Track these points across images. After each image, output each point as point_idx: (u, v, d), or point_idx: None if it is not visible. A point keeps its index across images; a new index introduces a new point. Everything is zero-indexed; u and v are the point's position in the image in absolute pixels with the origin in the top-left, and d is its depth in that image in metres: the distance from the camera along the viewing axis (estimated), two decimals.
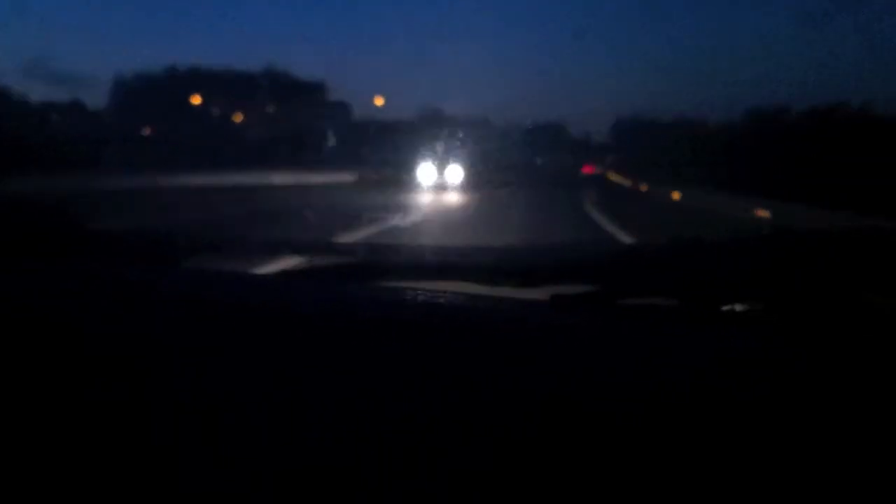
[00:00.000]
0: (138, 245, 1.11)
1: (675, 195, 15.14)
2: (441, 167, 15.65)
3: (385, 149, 17.60)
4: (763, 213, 10.06)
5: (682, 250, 0.89)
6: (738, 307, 0.78)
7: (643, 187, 19.76)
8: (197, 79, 27.44)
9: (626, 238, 7.46)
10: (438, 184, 15.30)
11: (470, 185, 14.85)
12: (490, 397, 0.57)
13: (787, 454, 0.49)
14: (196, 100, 25.83)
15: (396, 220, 8.28)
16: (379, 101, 22.94)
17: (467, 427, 0.54)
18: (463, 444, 0.52)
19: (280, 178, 14.56)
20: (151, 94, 28.00)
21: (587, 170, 32.08)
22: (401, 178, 15.32)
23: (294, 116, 24.21)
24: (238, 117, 24.33)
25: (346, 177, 15.56)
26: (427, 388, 0.59)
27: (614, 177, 26.86)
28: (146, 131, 22.61)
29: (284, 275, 1.06)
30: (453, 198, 13.40)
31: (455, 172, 15.68)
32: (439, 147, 15.63)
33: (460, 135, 16.42)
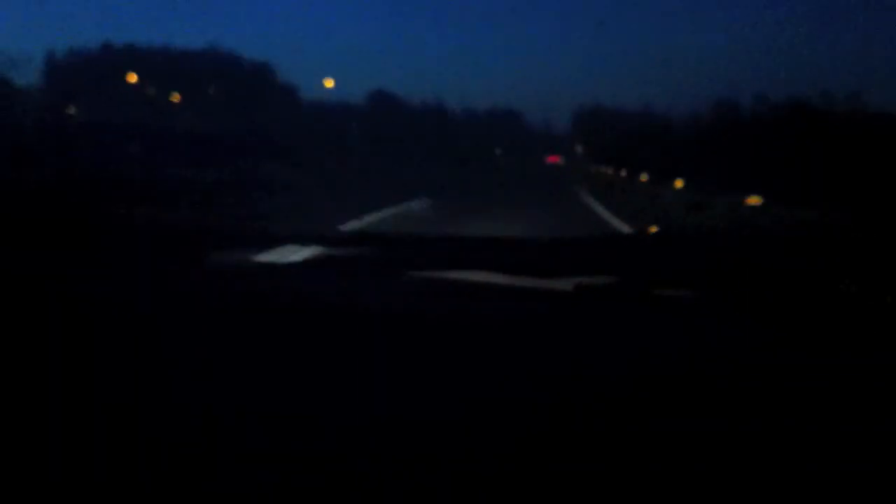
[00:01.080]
0: (164, 238, 1.15)
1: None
2: None
3: None
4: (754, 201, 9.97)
5: (701, 244, 1.01)
6: (755, 301, 0.79)
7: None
8: (134, 57, 25.89)
9: None
10: None
11: None
12: (510, 388, 0.58)
13: (796, 448, 0.51)
14: (132, 79, 24.20)
15: None
16: (328, 84, 21.53)
17: (484, 418, 0.54)
18: (480, 435, 0.52)
19: None
20: (85, 72, 26.43)
21: (552, 160, 31.24)
22: None
23: (237, 98, 22.72)
24: (175, 98, 22.67)
25: None
26: (446, 380, 0.60)
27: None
28: (71, 111, 20.90)
29: (307, 265, 1.08)
30: None
31: None
32: None
33: None
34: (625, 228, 8.05)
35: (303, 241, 1.22)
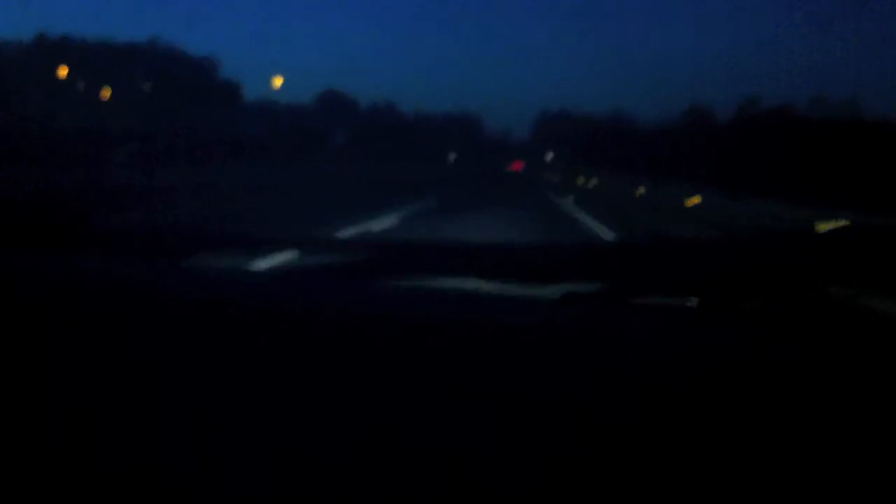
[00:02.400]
0: (141, 241, 1.08)
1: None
2: None
3: None
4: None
5: (689, 249, 0.95)
6: (746, 306, 0.79)
7: None
8: (67, 49, 24.25)
9: None
10: None
11: None
12: (497, 399, 0.58)
13: (791, 454, 0.51)
14: (63, 72, 22.45)
15: None
16: (277, 82, 20.02)
17: (471, 427, 0.54)
18: (465, 444, 0.53)
19: None
20: (15, 65, 24.74)
21: (516, 166, 29.66)
22: None
23: (175, 95, 21.03)
24: (105, 93, 20.90)
25: None
26: (432, 389, 0.59)
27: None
28: None
29: (286, 273, 1.02)
30: None
31: None
32: None
33: None
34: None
35: (289, 246, 1.19)
